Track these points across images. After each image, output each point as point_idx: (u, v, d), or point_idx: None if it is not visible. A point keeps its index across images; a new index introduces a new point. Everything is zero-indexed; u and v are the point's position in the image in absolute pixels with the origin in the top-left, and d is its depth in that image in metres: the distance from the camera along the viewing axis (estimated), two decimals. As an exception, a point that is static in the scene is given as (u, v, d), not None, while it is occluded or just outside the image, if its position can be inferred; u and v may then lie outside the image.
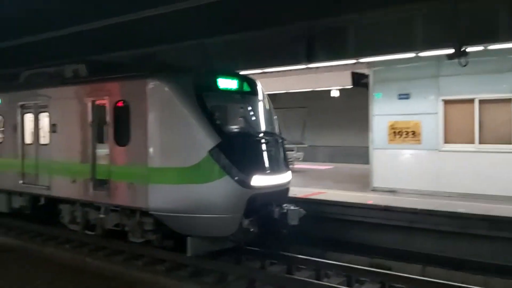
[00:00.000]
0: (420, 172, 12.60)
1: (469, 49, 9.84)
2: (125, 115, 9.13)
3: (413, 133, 12.76)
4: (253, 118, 9.59)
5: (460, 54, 9.79)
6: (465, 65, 9.92)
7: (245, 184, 8.22)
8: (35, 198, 11.50)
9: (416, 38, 10.63)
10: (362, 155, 19.82)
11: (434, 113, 12.45)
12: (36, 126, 11.29)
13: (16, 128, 11.74)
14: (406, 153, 12.92)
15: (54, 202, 11.10)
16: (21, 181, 11.56)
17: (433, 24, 10.47)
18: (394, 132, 13.08)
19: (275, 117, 10.04)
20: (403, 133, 12.93)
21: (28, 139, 11.57)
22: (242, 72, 10.83)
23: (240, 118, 9.36)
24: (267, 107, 9.88)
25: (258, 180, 8.41)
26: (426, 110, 12.58)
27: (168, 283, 8.45)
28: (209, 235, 8.60)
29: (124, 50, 14.44)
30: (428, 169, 12.48)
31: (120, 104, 9.33)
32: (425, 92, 12.58)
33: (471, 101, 12.03)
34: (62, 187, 10.55)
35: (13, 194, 12.16)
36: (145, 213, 8.97)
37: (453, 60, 10.13)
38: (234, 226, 8.23)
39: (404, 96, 12.91)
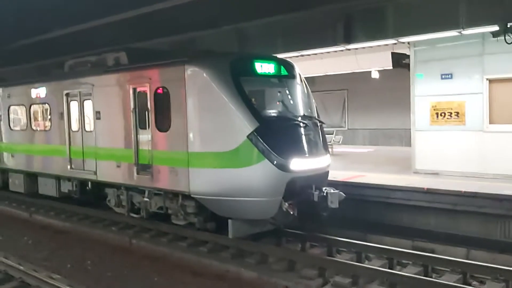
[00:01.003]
0: (463, 154, 12.27)
1: (516, 25, 9.45)
2: (165, 102, 9.32)
3: (457, 114, 12.41)
4: (291, 101, 9.58)
5: (506, 31, 9.42)
6: (511, 43, 9.53)
7: (284, 167, 8.27)
8: (82, 182, 11.96)
9: (460, 16, 10.26)
10: (404, 137, 19.56)
11: (478, 93, 12.04)
12: (81, 113, 11.68)
13: (63, 116, 12.18)
14: (449, 135, 12.58)
15: (100, 187, 11.52)
16: (69, 167, 12.03)
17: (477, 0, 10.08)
18: (437, 113, 12.75)
19: (313, 100, 9.99)
20: (446, 114, 12.59)
21: (74, 126, 11.99)
22: (280, 56, 10.79)
23: (278, 102, 9.38)
24: (305, 90, 9.84)
25: (297, 164, 8.44)
26: (470, 90, 12.18)
27: (211, 264, 8.68)
28: (249, 218, 8.72)
29: (162, 37, 14.62)
30: (472, 151, 12.12)
31: (160, 90, 9.51)
32: (469, 72, 12.16)
33: (518, 79, 11.57)
34: (108, 172, 10.92)
35: (62, 179, 12.68)
36: (187, 196, 9.19)
37: (498, 38, 9.76)
38: (273, 209, 8.32)
39: (447, 76, 12.53)
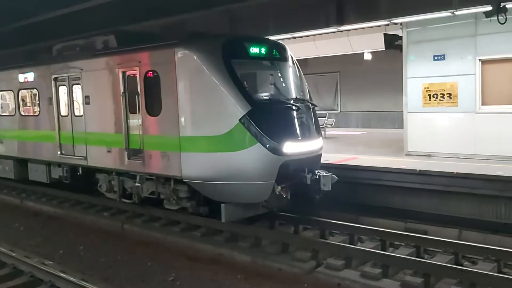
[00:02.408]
0: (456, 135, 12.29)
1: (509, 5, 9.36)
2: (155, 85, 9.19)
3: (449, 95, 12.38)
4: (283, 84, 9.49)
5: (498, 11, 9.34)
6: (504, 23, 9.47)
7: (276, 151, 8.23)
8: (73, 168, 11.85)
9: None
10: (396, 120, 19.56)
11: (471, 74, 12.01)
12: (70, 98, 11.51)
13: (51, 101, 12.00)
14: (442, 116, 12.57)
15: (91, 172, 11.42)
16: (59, 152, 11.90)
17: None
18: (429, 95, 12.72)
19: (306, 83, 9.91)
20: (438, 96, 12.57)
21: (63, 111, 11.82)
22: (272, 38, 10.66)
23: (270, 85, 9.28)
24: (297, 73, 9.75)
25: (290, 147, 8.39)
26: (462, 71, 12.14)
27: (204, 248, 8.67)
28: (242, 202, 8.69)
29: (152, 20, 14.41)
30: (465, 132, 12.14)
31: (150, 74, 9.38)
32: (462, 53, 12.11)
33: (511, 60, 11.51)
34: (98, 157, 10.81)
35: (52, 164, 12.55)
36: (179, 181, 9.13)
37: (491, 18, 9.68)
38: (266, 193, 8.29)
39: (440, 57, 12.48)
